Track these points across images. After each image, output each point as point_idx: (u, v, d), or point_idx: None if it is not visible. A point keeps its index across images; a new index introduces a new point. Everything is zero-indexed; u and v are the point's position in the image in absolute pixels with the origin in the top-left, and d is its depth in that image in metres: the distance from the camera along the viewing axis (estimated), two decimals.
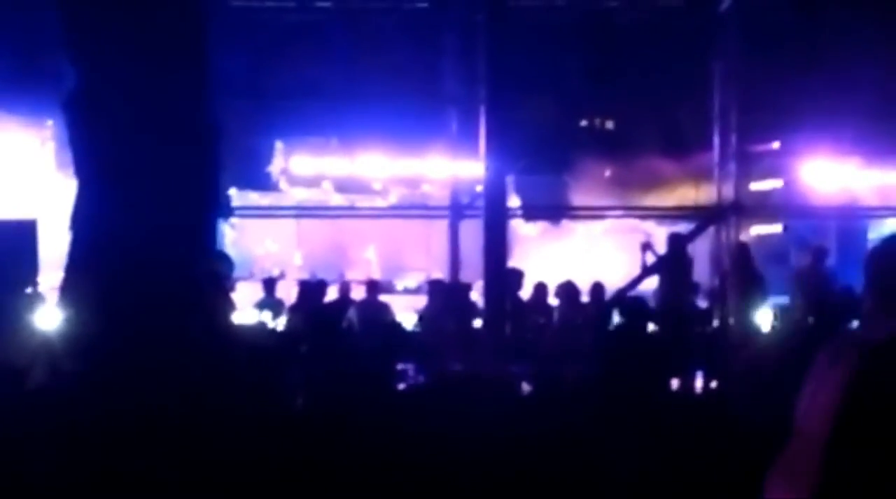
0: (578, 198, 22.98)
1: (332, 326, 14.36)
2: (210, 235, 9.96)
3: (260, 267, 20.94)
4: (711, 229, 18.22)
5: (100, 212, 9.19)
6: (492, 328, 14.17)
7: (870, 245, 18.44)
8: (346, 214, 22.65)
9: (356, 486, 8.29)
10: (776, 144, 22.18)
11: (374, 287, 16.34)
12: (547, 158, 22.87)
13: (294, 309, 15.57)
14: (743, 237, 18.27)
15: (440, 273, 20.07)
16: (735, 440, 8.50)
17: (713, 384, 14.08)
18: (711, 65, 18.54)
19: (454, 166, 20.92)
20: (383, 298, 16.54)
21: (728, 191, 18.06)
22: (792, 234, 21.79)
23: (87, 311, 8.98)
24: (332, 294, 16.37)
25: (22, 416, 8.59)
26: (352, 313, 15.22)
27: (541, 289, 15.51)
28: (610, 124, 25.18)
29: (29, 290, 13.21)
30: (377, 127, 21.34)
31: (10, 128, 19.40)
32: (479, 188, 17.43)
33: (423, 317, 15.41)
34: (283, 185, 23.56)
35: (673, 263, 16.01)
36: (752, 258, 16.76)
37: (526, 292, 15.50)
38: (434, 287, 16.71)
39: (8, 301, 12.01)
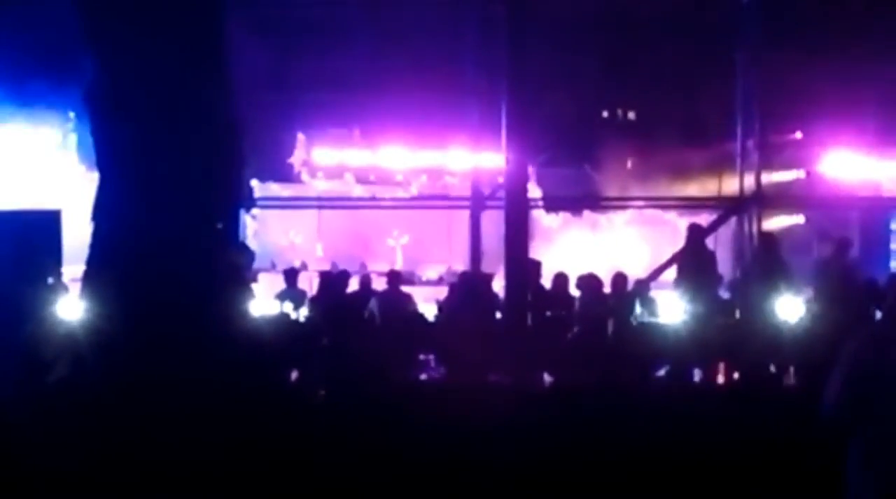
0: (600, 189, 22.94)
1: (353, 317, 14.39)
2: (232, 226, 9.98)
3: (284, 258, 20.97)
4: (734, 220, 18.14)
5: (121, 204, 9.23)
6: (512, 319, 14.15)
7: (893, 235, 18.24)
8: (368, 206, 22.63)
9: (376, 474, 8.30)
10: (799, 135, 22.11)
11: (395, 278, 16.33)
12: (568, 150, 22.85)
13: (315, 300, 15.59)
14: (765, 228, 18.19)
15: (461, 264, 20.05)
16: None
17: (735, 375, 14.06)
18: (734, 55, 18.45)
19: (476, 158, 20.90)
20: (405, 289, 16.53)
21: (750, 181, 17.98)
22: (814, 224, 21.70)
23: (109, 302, 9.01)
24: (353, 285, 16.37)
25: (47, 406, 8.64)
26: (373, 304, 15.22)
27: (561, 279, 15.48)
28: (632, 115, 25.11)
29: (51, 280, 13.25)
30: (399, 119, 21.35)
31: (34, 120, 19.49)
32: (501, 179, 17.40)
33: (443, 308, 15.40)
34: (304, 176, 23.58)
35: (693, 254, 15.94)
36: (778, 248, 16.69)
37: (546, 283, 15.48)
38: (460, 279, 16.68)
39: (32, 292, 12.06)
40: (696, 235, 16.18)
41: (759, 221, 17.37)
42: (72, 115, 18.93)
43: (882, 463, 4.39)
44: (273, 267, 19.60)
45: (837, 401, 4.55)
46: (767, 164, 18.99)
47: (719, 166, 19.84)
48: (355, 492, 8.29)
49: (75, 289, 10.95)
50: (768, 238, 16.83)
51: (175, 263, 8.85)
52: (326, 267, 19.75)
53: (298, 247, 22.23)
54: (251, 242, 18.44)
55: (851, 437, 4.57)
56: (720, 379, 14.11)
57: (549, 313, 14.53)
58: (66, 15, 10.22)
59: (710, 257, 16.03)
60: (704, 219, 17.81)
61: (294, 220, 22.33)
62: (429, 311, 15.58)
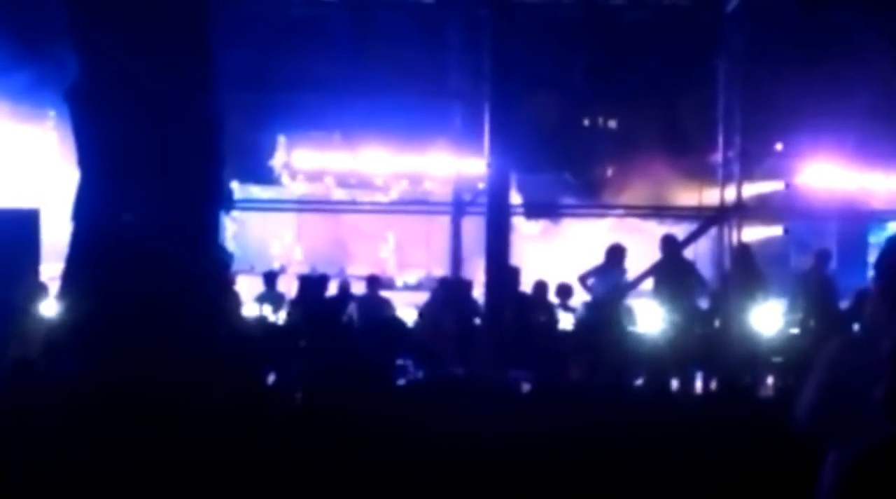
0: (580, 197, 22.94)
1: (331, 321, 14.38)
2: (212, 228, 9.95)
3: (263, 261, 20.91)
4: (714, 230, 18.16)
5: (102, 203, 9.19)
6: (491, 326, 14.16)
7: (871, 248, 18.45)
8: (348, 210, 22.60)
9: (354, 480, 8.29)
10: (779, 146, 22.16)
11: (374, 282, 16.32)
12: (549, 157, 22.82)
13: (294, 303, 15.58)
14: (743, 239, 18.24)
15: (440, 270, 20.04)
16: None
17: (713, 385, 14.10)
18: (716, 65, 18.47)
19: (457, 163, 20.88)
20: (383, 293, 16.54)
21: (731, 192, 18.00)
22: (793, 236, 21.75)
23: (88, 302, 8.98)
24: (332, 289, 16.36)
25: (29, 406, 8.61)
26: (352, 308, 15.23)
27: (541, 287, 15.51)
28: (613, 123, 25.10)
29: (32, 280, 13.20)
30: (380, 122, 21.30)
31: (13, 117, 19.39)
32: (482, 185, 17.40)
33: (423, 313, 15.42)
34: (284, 179, 23.52)
35: (668, 265, 15.97)
36: (754, 259, 16.75)
37: (525, 290, 15.50)
38: (440, 284, 16.70)
39: (10, 291, 12.01)
40: (670, 246, 16.22)
41: (740, 231, 17.39)
42: (52, 113, 18.83)
43: (855, 475, 4.39)
44: (252, 269, 19.56)
45: (811, 410, 4.55)
46: (748, 175, 19.03)
47: (700, 176, 19.86)
48: (331, 495, 8.27)
49: (54, 288, 10.90)
50: (743, 249, 16.91)
51: (155, 264, 8.82)
52: (306, 270, 19.73)
53: (279, 249, 22.20)
54: (230, 244, 18.38)
55: (825, 448, 4.57)
56: (697, 388, 14.16)
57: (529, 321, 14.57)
58: (47, 12, 10.17)
59: (689, 267, 16.07)
60: (684, 228, 17.84)
61: (274, 222, 22.28)
62: (408, 315, 15.59)
